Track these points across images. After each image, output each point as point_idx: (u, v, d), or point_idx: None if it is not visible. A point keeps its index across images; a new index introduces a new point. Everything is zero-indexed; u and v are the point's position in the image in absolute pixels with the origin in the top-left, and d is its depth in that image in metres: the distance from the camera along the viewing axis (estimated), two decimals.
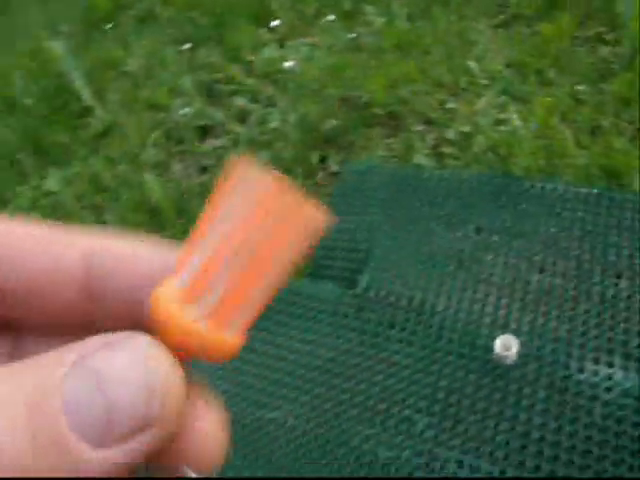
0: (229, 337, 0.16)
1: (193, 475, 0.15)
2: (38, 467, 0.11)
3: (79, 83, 1.39)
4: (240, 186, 0.16)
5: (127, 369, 0.12)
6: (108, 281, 0.15)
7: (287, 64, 1.30)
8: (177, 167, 1.23)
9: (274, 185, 0.15)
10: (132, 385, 0.12)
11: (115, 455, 0.12)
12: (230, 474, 0.79)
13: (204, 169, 1.23)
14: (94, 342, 0.13)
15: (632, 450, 0.72)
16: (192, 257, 0.16)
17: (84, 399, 0.12)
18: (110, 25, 1.60)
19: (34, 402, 0.12)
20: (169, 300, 0.15)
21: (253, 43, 1.40)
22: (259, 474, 0.79)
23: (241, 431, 0.84)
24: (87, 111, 1.40)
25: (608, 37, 1.16)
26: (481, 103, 1.13)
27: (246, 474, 0.79)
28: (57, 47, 1.40)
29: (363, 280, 0.93)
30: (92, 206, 1.21)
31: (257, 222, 0.15)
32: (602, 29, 1.17)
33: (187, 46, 1.41)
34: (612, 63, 1.11)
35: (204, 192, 1.16)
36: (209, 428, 0.15)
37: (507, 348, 0.80)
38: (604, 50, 1.14)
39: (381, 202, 1.01)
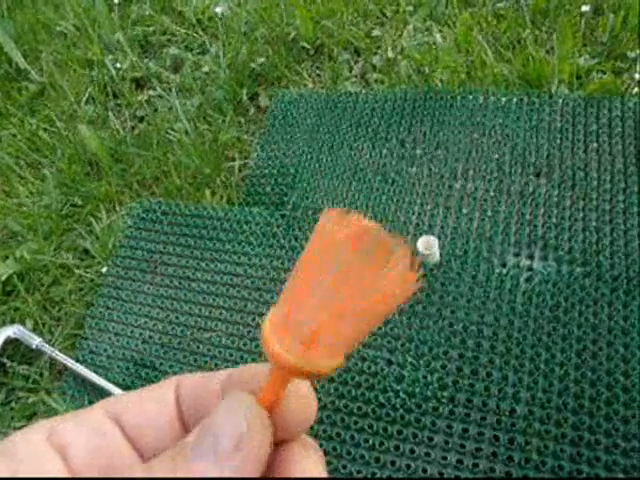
0: (322, 362, 0.18)
1: None
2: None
3: (10, 47, 1.37)
4: (333, 236, 0.17)
5: (226, 424, 0.19)
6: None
7: (217, 9, 1.29)
8: (114, 119, 1.22)
9: (365, 232, 0.17)
10: (230, 432, 0.19)
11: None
12: None
13: (141, 119, 1.23)
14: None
15: (548, 331, 0.74)
16: (291, 294, 0.18)
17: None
18: None
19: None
20: (270, 332, 0.18)
21: None
22: None
23: (180, 354, 0.85)
24: (21, 74, 1.39)
25: None
26: (407, 29, 1.14)
27: None
28: None
29: (290, 200, 0.93)
30: (30, 164, 1.21)
31: (352, 269, 0.17)
32: None
33: (117, 1, 1.40)
34: None
35: (140, 141, 1.16)
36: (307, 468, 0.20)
37: (428, 247, 0.81)
38: None
39: (308, 128, 1.02)
